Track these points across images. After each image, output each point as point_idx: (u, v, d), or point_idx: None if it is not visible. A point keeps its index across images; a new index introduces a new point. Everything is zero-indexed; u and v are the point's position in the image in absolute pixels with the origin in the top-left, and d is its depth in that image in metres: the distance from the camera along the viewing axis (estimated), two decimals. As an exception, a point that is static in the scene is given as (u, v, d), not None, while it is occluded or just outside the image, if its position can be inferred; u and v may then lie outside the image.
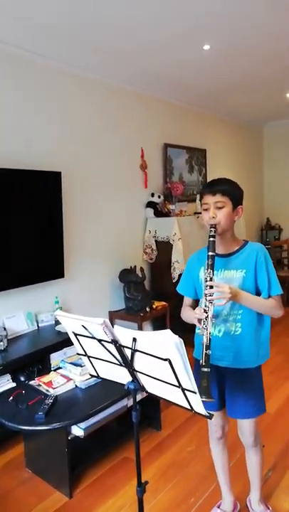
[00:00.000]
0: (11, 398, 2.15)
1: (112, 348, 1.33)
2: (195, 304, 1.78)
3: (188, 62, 3.49)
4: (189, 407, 1.27)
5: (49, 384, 2.24)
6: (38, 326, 3.09)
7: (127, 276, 3.73)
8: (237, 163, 5.96)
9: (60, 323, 2.91)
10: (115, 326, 1.28)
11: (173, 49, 3.19)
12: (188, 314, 1.70)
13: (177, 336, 1.13)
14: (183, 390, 1.23)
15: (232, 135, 5.88)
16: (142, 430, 2.56)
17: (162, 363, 1.20)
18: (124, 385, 1.43)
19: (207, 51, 3.24)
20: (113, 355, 1.37)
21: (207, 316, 1.49)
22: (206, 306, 1.50)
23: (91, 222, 3.62)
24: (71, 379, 2.29)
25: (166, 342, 1.14)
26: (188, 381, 1.19)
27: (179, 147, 4.67)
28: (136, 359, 1.30)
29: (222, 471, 1.89)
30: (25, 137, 3.04)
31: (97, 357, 1.47)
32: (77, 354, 1.56)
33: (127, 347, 1.28)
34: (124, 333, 1.26)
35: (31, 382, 2.33)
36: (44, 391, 2.21)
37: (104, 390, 2.22)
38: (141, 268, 3.78)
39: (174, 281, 3.93)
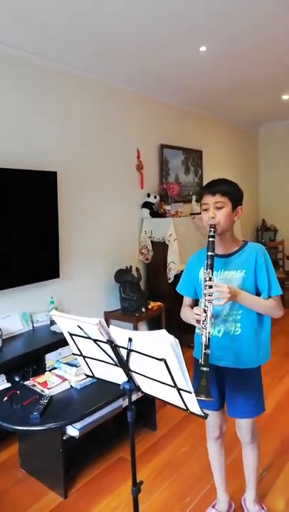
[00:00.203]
0: (6, 398, 2.14)
1: (107, 348, 1.33)
2: (195, 303, 1.78)
3: (186, 63, 3.49)
4: (184, 407, 1.28)
5: (44, 384, 2.24)
6: (33, 326, 3.08)
7: (122, 277, 3.73)
8: (233, 165, 5.98)
9: (56, 324, 2.91)
10: (111, 326, 1.28)
11: (172, 50, 3.20)
12: (187, 314, 1.70)
13: (172, 336, 1.13)
14: (178, 389, 1.24)
15: (228, 136, 5.90)
16: (137, 430, 2.56)
17: (158, 363, 1.20)
18: (119, 385, 1.43)
19: (205, 52, 3.25)
20: (108, 356, 1.37)
21: (206, 316, 1.49)
22: (205, 305, 1.50)
23: (87, 222, 3.61)
24: (66, 379, 2.28)
25: (162, 342, 1.15)
26: (184, 381, 1.20)
27: (175, 148, 4.68)
28: (131, 359, 1.30)
29: (218, 470, 1.89)
30: (23, 137, 3.03)
31: (92, 357, 1.47)
32: (73, 354, 1.56)
33: (122, 347, 1.28)
34: (120, 333, 1.26)
35: (26, 383, 2.32)
36: (39, 391, 2.20)
37: (99, 390, 2.22)
38: (137, 268, 3.79)
39: (169, 281, 3.94)
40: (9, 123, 2.95)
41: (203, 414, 1.24)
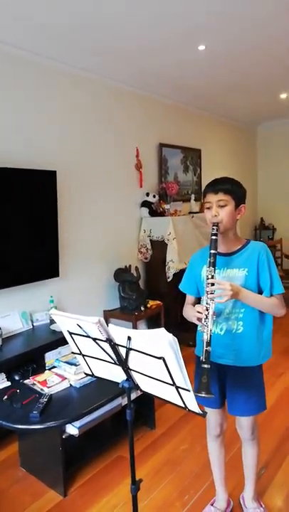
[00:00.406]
0: (6, 397, 2.15)
1: (106, 346, 1.34)
2: (197, 302, 1.79)
3: (186, 62, 3.50)
4: (183, 405, 1.29)
5: (44, 383, 2.24)
6: (32, 325, 3.08)
7: (121, 276, 3.74)
8: (231, 163, 5.99)
9: (55, 322, 2.91)
10: (110, 324, 1.29)
11: (171, 49, 3.20)
12: (189, 312, 1.71)
13: (171, 335, 1.14)
14: (177, 388, 1.24)
15: (227, 135, 5.90)
16: (136, 429, 2.57)
17: (156, 361, 1.21)
18: (118, 383, 1.44)
19: (204, 51, 3.25)
20: (108, 354, 1.37)
21: (208, 313, 1.49)
22: (207, 303, 1.51)
23: (86, 221, 3.61)
24: (66, 378, 2.29)
25: (161, 340, 1.15)
26: (182, 379, 1.20)
27: (174, 147, 4.68)
28: (130, 357, 1.31)
29: (218, 468, 1.90)
30: (22, 136, 3.03)
31: (91, 356, 1.47)
32: (72, 353, 1.56)
33: (121, 345, 1.29)
34: (119, 332, 1.27)
35: (26, 381, 2.32)
36: (39, 390, 2.21)
37: (98, 388, 2.23)
38: (136, 267, 3.79)
39: (168, 280, 3.95)
40: (9, 122, 2.95)
41: (201, 413, 1.25)
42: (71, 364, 2.34)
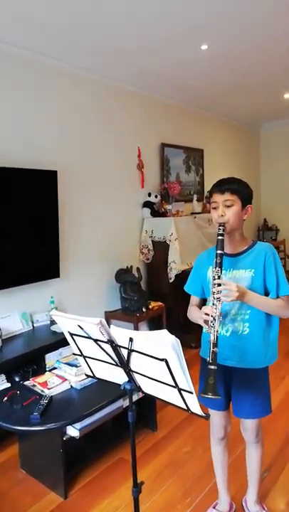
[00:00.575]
0: (6, 399, 2.14)
1: (108, 348, 1.32)
2: (202, 303, 1.77)
3: (187, 62, 3.49)
4: (186, 408, 1.27)
5: (44, 384, 2.23)
6: (33, 326, 3.07)
7: (123, 277, 3.72)
8: (234, 164, 5.97)
9: (56, 323, 2.90)
10: (111, 325, 1.28)
11: (172, 49, 3.19)
12: (194, 314, 1.69)
13: (174, 336, 1.12)
14: (179, 390, 1.23)
15: (229, 135, 5.88)
16: (137, 431, 2.56)
17: (159, 363, 1.19)
18: (120, 385, 1.42)
19: (205, 51, 3.24)
20: (109, 355, 1.36)
21: (215, 314, 1.48)
22: (213, 304, 1.49)
23: (87, 221, 3.60)
24: (66, 379, 2.28)
25: (163, 342, 1.14)
26: (185, 381, 1.19)
27: (176, 147, 4.66)
28: (132, 359, 1.29)
29: (221, 471, 1.88)
30: (23, 136, 3.03)
31: (93, 357, 1.46)
32: (73, 354, 1.55)
33: (123, 347, 1.27)
34: (121, 333, 1.25)
35: (26, 383, 2.31)
36: (39, 391, 2.20)
37: (99, 390, 2.21)
38: (137, 268, 3.78)
39: (170, 281, 3.93)
40: (9, 122, 2.94)
41: (204, 415, 1.23)
42: (72, 365, 2.32)
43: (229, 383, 1.71)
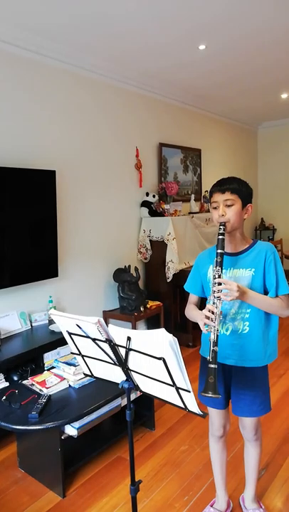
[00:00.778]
0: (4, 398, 2.14)
1: (106, 347, 1.33)
2: (200, 302, 1.78)
3: (186, 62, 3.50)
4: (183, 406, 1.28)
5: (42, 383, 2.23)
6: (31, 325, 3.07)
7: (121, 276, 3.73)
8: (231, 164, 5.98)
9: (54, 323, 2.90)
10: (110, 325, 1.28)
11: (170, 49, 3.20)
12: (193, 313, 1.70)
13: (171, 335, 1.13)
14: (177, 388, 1.23)
15: (227, 135, 5.89)
16: (135, 429, 2.57)
17: (156, 362, 1.20)
18: (118, 384, 1.43)
19: (204, 51, 3.25)
20: (107, 354, 1.37)
21: (215, 313, 1.49)
22: (214, 303, 1.50)
23: (86, 221, 3.61)
24: (65, 378, 2.28)
25: (161, 341, 1.15)
26: (183, 380, 1.20)
27: (174, 147, 4.67)
28: (130, 358, 1.30)
29: (219, 469, 1.89)
30: (21, 135, 3.02)
31: (91, 356, 1.46)
32: (71, 353, 1.55)
33: (121, 346, 1.28)
34: (119, 332, 1.26)
35: (24, 382, 2.32)
36: (37, 390, 2.20)
37: (98, 389, 2.22)
38: (135, 267, 3.78)
39: (168, 280, 3.94)
40: (8, 122, 2.94)
41: (201, 413, 1.24)
42: (70, 364, 2.33)
43: (229, 382, 1.72)
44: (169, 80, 4.00)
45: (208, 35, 2.97)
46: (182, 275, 3.82)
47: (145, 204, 4.17)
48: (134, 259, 4.13)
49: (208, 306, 1.53)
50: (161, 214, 4.13)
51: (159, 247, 4.05)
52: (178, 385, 1.23)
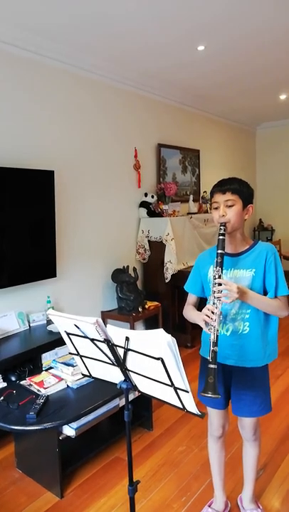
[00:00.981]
0: (2, 398, 2.13)
1: (104, 347, 1.33)
2: (199, 302, 1.78)
3: (185, 62, 3.50)
4: (181, 406, 1.28)
5: (40, 384, 2.23)
6: (29, 325, 3.07)
7: (119, 276, 3.73)
8: (230, 164, 5.99)
9: (52, 323, 2.90)
10: (108, 325, 1.28)
11: (170, 50, 3.21)
12: (191, 314, 1.70)
13: (170, 335, 1.13)
14: (175, 388, 1.23)
15: (225, 136, 5.90)
16: (133, 430, 2.57)
17: (155, 362, 1.20)
18: (116, 384, 1.43)
19: (203, 52, 3.25)
20: (106, 355, 1.36)
21: (215, 314, 1.49)
22: (214, 303, 1.50)
23: (84, 221, 3.61)
24: (63, 379, 2.28)
25: (159, 341, 1.15)
26: (181, 380, 1.20)
27: (173, 147, 4.67)
28: (128, 358, 1.30)
29: (217, 469, 1.89)
30: (19, 135, 3.02)
31: (89, 356, 1.46)
32: (70, 353, 1.55)
33: (119, 346, 1.28)
34: (117, 332, 1.26)
35: (22, 382, 2.31)
36: (35, 391, 2.20)
37: (96, 389, 2.22)
38: (134, 268, 3.78)
39: (166, 281, 3.94)
40: (7, 122, 2.93)
41: (200, 414, 1.24)
42: (68, 365, 2.33)
43: (229, 382, 1.72)
44: (169, 80, 4.00)
45: (208, 35, 2.97)
46: (181, 276, 3.82)
47: (144, 204, 4.17)
48: (132, 259, 4.13)
49: (208, 306, 1.53)
50: (160, 215, 4.13)
51: (157, 248, 4.05)
52: (176, 386, 1.22)
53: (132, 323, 3.59)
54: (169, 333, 1.13)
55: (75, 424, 2.07)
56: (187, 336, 4.00)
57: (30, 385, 2.26)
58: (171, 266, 3.90)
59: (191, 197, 4.74)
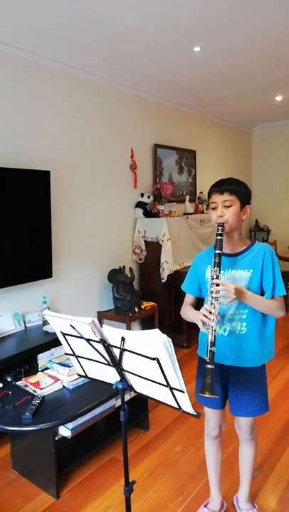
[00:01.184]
0: (-2, 399, 2.13)
1: (100, 347, 1.33)
2: (197, 302, 1.78)
3: (181, 64, 3.51)
4: (177, 406, 1.28)
5: (36, 384, 2.22)
6: (25, 326, 3.06)
7: (115, 277, 3.72)
8: (226, 165, 6.00)
9: (48, 324, 2.89)
10: (104, 325, 1.28)
11: (167, 51, 3.21)
12: (189, 313, 1.70)
13: (166, 336, 1.13)
14: (171, 389, 1.24)
15: (222, 137, 5.92)
16: (129, 430, 2.56)
17: (151, 363, 1.20)
18: (112, 384, 1.43)
19: (199, 53, 3.26)
20: (101, 355, 1.36)
21: (213, 314, 1.49)
22: (211, 303, 1.50)
23: (80, 221, 3.60)
24: (59, 379, 2.27)
25: (155, 341, 1.15)
26: (177, 380, 1.20)
27: (169, 148, 4.68)
28: (124, 358, 1.30)
29: (214, 469, 1.89)
30: (16, 135, 3.01)
31: (85, 357, 1.46)
32: (65, 354, 1.55)
33: (115, 346, 1.28)
34: (113, 333, 1.26)
35: (18, 383, 2.31)
36: (31, 391, 2.19)
37: (92, 390, 2.21)
38: (130, 268, 3.78)
39: (163, 281, 3.94)
40: (8, 122, 2.92)
41: (195, 414, 1.24)
42: (64, 365, 2.32)
43: (226, 382, 1.72)
44: (169, 81, 4.00)
45: (208, 35, 2.97)
46: (177, 276, 3.83)
47: (140, 205, 4.17)
48: (128, 259, 4.13)
49: (206, 306, 1.53)
50: (156, 215, 4.13)
51: (153, 248, 4.05)
52: (172, 386, 1.23)
53: (128, 323, 3.59)
54: (165, 333, 1.13)
55: (70, 425, 2.07)
56: (183, 336, 4.01)
57: (26, 385, 2.25)
58: (168, 266, 3.90)
59: (188, 197, 4.74)
